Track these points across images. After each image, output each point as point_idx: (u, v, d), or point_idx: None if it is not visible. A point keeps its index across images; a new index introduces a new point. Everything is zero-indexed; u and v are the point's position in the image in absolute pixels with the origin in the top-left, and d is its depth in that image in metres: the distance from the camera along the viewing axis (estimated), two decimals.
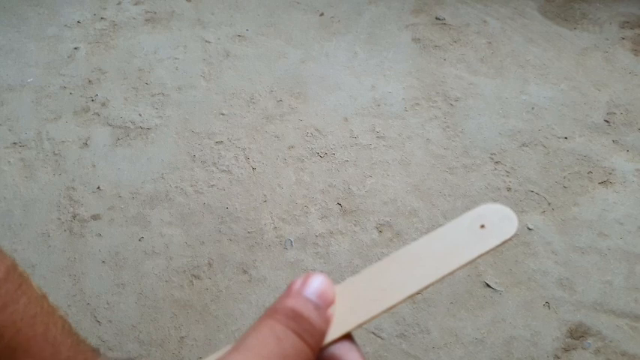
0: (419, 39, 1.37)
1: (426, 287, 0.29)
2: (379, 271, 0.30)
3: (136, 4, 1.45)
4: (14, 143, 1.17)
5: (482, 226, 0.29)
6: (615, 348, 0.92)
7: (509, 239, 0.29)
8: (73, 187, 1.10)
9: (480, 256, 0.28)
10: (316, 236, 1.03)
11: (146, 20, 1.42)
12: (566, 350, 0.92)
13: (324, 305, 0.28)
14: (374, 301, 0.29)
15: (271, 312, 0.27)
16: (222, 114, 1.23)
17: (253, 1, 1.46)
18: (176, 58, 1.34)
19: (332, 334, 0.29)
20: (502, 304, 0.97)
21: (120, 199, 1.08)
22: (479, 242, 0.29)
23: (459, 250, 0.29)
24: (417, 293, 0.29)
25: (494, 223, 0.29)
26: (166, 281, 0.99)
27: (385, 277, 0.29)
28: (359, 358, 0.29)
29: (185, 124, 1.21)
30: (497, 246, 0.28)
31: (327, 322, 0.28)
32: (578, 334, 0.94)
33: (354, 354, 0.29)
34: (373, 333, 0.94)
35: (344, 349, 0.29)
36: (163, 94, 1.27)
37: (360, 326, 0.29)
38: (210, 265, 1.00)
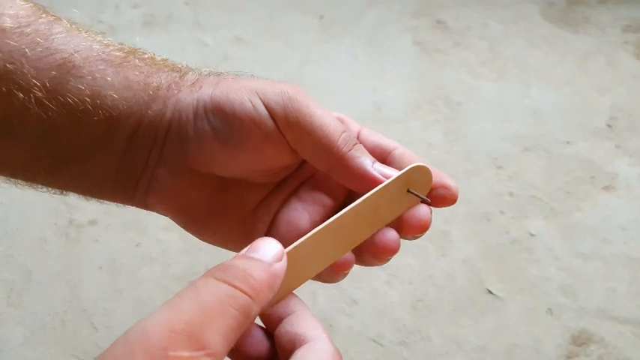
0: (420, 42, 1.37)
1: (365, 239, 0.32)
2: (321, 235, 0.31)
3: (134, 8, 1.45)
4: None
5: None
6: (618, 355, 0.92)
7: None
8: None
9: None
10: None
11: (144, 23, 1.42)
12: (569, 357, 0.92)
13: (265, 259, 0.27)
14: (317, 261, 0.31)
15: None
16: None
17: (252, 4, 1.46)
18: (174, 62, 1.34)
19: (278, 294, 0.29)
20: (504, 310, 0.96)
21: (116, 204, 1.07)
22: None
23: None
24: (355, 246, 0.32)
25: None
26: (163, 288, 0.98)
27: (329, 237, 0.31)
28: (308, 311, 0.30)
29: None
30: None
31: (271, 274, 0.27)
32: (581, 341, 0.93)
33: (303, 306, 0.30)
34: (374, 340, 0.93)
35: (292, 305, 0.30)
36: None
37: (302, 283, 0.31)
38: None
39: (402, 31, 1.39)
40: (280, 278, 0.27)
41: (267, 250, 0.28)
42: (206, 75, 0.35)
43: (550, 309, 0.96)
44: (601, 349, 0.92)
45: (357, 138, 0.35)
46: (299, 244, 0.30)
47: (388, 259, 0.34)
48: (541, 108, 1.24)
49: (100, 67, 0.31)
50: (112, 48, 0.33)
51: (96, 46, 0.32)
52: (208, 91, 0.33)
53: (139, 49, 0.35)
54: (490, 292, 0.98)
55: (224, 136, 0.32)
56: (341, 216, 0.31)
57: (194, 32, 1.40)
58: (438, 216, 1.05)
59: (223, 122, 0.32)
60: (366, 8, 1.44)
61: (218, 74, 0.35)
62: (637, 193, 1.11)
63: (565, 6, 1.45)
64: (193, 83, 0.33)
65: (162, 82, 0.33)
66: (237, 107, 0.32)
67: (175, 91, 0.33)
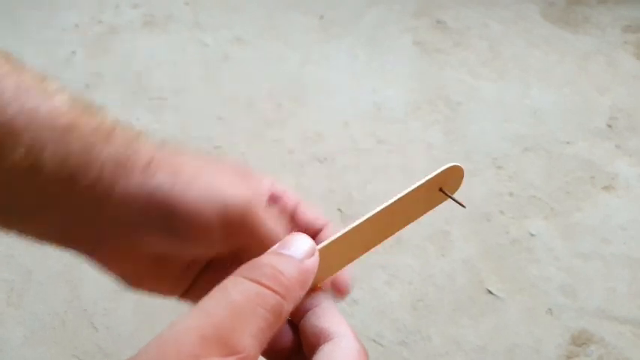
0: (420, 42, 1.37)
1: (392, 235, 0.32)
2: (354, 232, 0.31)
3: (134, 8, 1.45)
4: None
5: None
6: (618, 355, 0.92)
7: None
8: None
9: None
10: None
11: (144, 23, 1.42)
12: (568, 357, 0.92)
13: (297, 255, 0.26)
14: (345, 256, 0.31)
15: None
16: (221, 118, 1.23)
17: (252, 4, 1.46)
18: (174, 62, 1.34)
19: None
20: (504, 310, 0.96)
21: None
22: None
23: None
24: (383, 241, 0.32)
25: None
26: None
27: (359, 234, 0.31)
28: (333, 304, 0.29)
29: (183, 129, 1.21)
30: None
31: (303, 271, 0.26)
32: (581, 341, 0.93)
33: (329, 300, 0.29)
34: (374, 340, 0.93)
35: (317, 297, 0.29)
36: (161, 97, 1.26)
37: (329, 276, 0.31)
38: None
39: (402, 31, 1.39)
40: (312, 275, 0.26)
41: (299, 245, 0.26)
42: (160, 150, 0.30)
43: (550, 309, 0.96)
44: (601, 349, 0.92)
45: (294, 211, 0.34)
46: (331, 242, 0.29)
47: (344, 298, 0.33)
48: (541, 108, 1.24)
49: (44, 135, 0.27)
50: (59, 111, 0.28)
51: (43, 109, 0.27)
52: (163, 186, 0.28)
53: (92, 106, 0.30)
54: (490, 292, 0.98)
55: (169, 232, 0.29)
56: (376, 214, 0.31)
57: (194, 32, 1.40)
58: (438, 216, 1.06)
59: (172, 222, 0.28)
60: (366, 8, 1.44)
61: (174, 151, 0.30)
62: (637, 193, 1.10)
63: (565, 6, 1.45)
64: (148, 164, 0.29)
65: (108, 162, 0.28)
66: (192, 212, 0.28)
67: (122, 176, 0.28)
